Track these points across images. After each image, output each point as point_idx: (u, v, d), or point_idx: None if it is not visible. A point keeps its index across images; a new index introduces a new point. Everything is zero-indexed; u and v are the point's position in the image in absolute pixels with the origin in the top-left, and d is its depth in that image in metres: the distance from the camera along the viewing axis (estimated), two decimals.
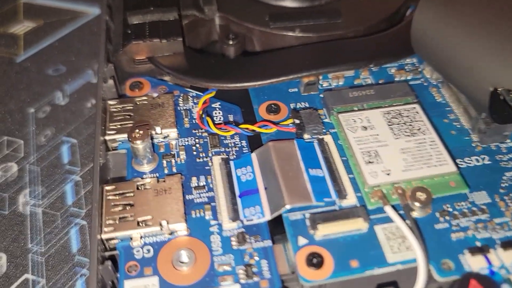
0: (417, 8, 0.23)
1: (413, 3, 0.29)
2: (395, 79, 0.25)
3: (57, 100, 0.30)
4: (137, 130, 0.21)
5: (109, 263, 0.18)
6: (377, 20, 0.27)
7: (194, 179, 0.21)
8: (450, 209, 0.20)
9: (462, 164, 0.21)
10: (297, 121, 0.22)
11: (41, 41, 0.34)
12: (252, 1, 0.28)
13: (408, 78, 0.25)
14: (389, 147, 0.21)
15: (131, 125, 0.22)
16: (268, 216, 0.19)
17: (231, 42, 0.26)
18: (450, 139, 0.22)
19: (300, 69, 0.24)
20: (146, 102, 0.24)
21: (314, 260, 0.18)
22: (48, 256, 0.22)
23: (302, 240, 0.19)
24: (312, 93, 0.24)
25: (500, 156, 0.22)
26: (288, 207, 0.19)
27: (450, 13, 0.21)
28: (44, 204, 0.24)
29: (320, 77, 0.25)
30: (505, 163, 0.21)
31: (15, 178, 0.25)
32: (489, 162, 0.21)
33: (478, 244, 0.18)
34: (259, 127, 0.22)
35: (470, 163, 0.21)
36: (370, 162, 0.21)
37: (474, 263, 0.18)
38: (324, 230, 0.19)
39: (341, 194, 0.20)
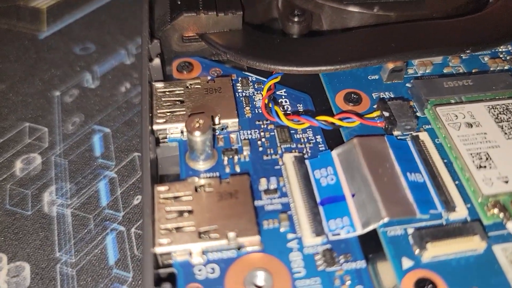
0: None
1: None
2: (490, 68, 0.21)
3: (86, 82, 0.26)
4: (197, 119, 0.17)
5: (168, 286, 0.14)
6: (466, 0, 0.23)
7: (263, 180, 0.17)
8: None
9: None
10: (386, 114, 0.18)
11: (66, 16, 0.30)
12: None
13: (506, 68, 0.22)
14: (502, 149, 0.17)
15: (184, 112, 0.19)
16: (359, 230, 0.16)
17: (296, 19, 0.22)
18: None
19: (384, 53, 0.20)
20: (199, 86, 0.20)
21: None
22: (80, 269, 0.18)
23: (407, 262, 0.15)
24: (396, 81, 0.21)
25: None
26: (386, 220, 0.15)
27: None
28: (74, 205, 0.20)
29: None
30: None
31: (39, 172, 0.22)
32: None
33: None
34: (340, 119, 0.18)
35: None
36: (482, 167, 0.17)
37: None
38: (435, 251, 0.15)
39: (449, 205, 0.16)
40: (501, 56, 0.22)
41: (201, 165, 0.18)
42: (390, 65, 0.20)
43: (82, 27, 0.29)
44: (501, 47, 0.23)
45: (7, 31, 0.30)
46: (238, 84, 0.21)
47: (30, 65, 0.27)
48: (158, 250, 0.15)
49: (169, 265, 0.15)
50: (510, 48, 0.23)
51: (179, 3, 0.21)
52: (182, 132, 0.19)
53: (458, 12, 0.23)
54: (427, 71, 0.21)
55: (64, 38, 0.29)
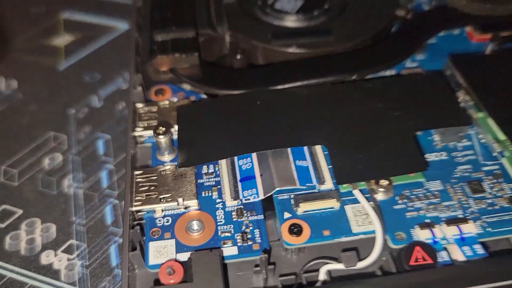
0: None
1: (397, 21, 0.34)
2: None
3: (93, 103, 0.35)
4: (160, 127, 0.26)
5: (137, 228, 0.23)
6: (363, 38, 0.31)
7: (204, 167, 0.26)
8: (408, 194, 0.24)
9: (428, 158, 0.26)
10: None
11: (79, 52, 0.40)
12: (257, 21, 0.33)
13: None
14: None
15: (156, 123, 0.28)
16: (261, 196, 0.25)
17: (238, 57, 0.31)
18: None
19: (294, 79, 0.29)
20: (167, 106, 0.29)
21: (295, 229, 0.23)
22: (88, 227, 0.28)
23: (286, 215, 0.24)
24: None
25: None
26: (277, 189, 0.24)
27: None
28: (84, 187, 0.30)
29: None
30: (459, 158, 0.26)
31: (61, 166, 0.31)
32: (446, 158, 0.26)
33: (427, 220, 0.23)
34: None
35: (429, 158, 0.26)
36: None
37: (421, 235, 0.23)
38: (304, 208, 0.24)
39: (320, 180, 0.25)
40: None
41: (165, 158, 0.27)
42: None
43: (91, 61, 0.39)
44: None
45: (34, 63, 0.40)
46: None
47: (52, 90, 0.37)
48: (134, 208, 0.24)
49: (141, 219, 0.24)
50: None
51: (155, 48, 0.31)
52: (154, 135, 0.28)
53: (357, 47, 0.32)
54: None
55: (77, 69, 0.38)
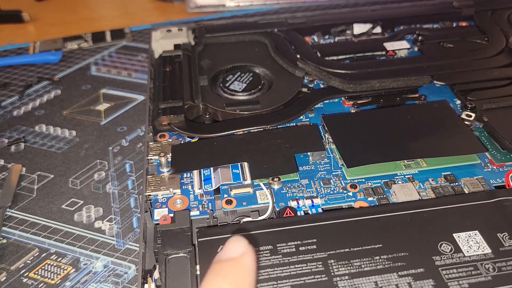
0: None
1: (302, 94, 0.57)
2: None
3: (123, 143, 0.59)
4: (162, 153, 0.49)
5: (149, 202, 0.45)
6: (277, 105, 0.55)
7: (185, 174, 0.49)
8: (289, 185, 0.47)
9: (303, 168, 0.48)
10: None
11: (113, 114, 0.64)
12: (219, 96, 0.57)
13: None
14: None
15: (159, 152, 0.51)
16: (214, 187, 0.47)
17: (207, 116, 0.55)
18: None
19: (238, 128, 0.52)
20: (166, 144, 0.52)
21: (228, 201, 0.45)
22: (121, 209, 0.50)
23: (225, 195, 0.46)
24: None
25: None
26: (221, 183, 0.47)
27: None
28: (118, 189, 0.52)
29: None
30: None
31: (104, 178, 0.54)
32: (313, 168, 0.49)
33: (296, 197, 0.45)
34: None
35: (303, 168, 0.49)
36: None
37: (291, 204, 0.45)
38: (235, 191, 0.46)
39: (244, 178, 0.47)
40: None
41: (164, 169, 0.50)
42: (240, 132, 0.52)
43: (121, 118, 0.63)
44: None
45: (85, 120, 0.63)
46: (182, 141, 0.53)
47: (97, 138, 0.60)
48: (146, 193, 0.46)
49: (150, 199, 0.46)
50: None
51: (159, 111, 0.54)
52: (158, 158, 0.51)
53: (274, 110, 0.55)
54: None
55: (112, 125, 0.62)
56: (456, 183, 0.45)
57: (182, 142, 0.52)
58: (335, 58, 0.63)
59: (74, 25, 0.86)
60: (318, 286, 0.36)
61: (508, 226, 0.39)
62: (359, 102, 0.56)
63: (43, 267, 0.44)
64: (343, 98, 0.57)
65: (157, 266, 0.40)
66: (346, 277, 0.36)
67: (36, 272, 0.44)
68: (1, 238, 0.47)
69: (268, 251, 0.38)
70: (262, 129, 0.52)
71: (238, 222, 0.43)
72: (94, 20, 0.88)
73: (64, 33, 0.82)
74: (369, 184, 0.46)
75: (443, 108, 0.53)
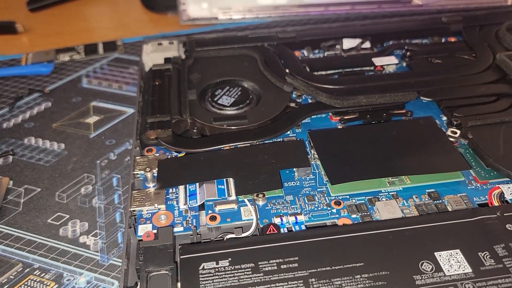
0: None
1: (290, 109, 0.58)
2: None
3: (111, 157, 0.59)
4: (148, 169, 0.49)
5: (133, 217, 0.45)
6: (264, 120, 0.55)
7: (170, 189, 0.49)
8: (273, 201, 0.47)
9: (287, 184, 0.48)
10: None
11: (102, 126, 0.64)
12: (206, 110, 0.57)
13: None
14: None
15: (145, 167, 0.51)
16: (199, 203, 0.47)
17: (195, 131, 0.55)
18: None
19: (224, 143, 0.52)
20: (153, 158, 0.52)
21: (212, 218, 0.45)
22: (106, 224, 0.50)
23: (209, 211, 0.46)
24: None
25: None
26: (206, 198, 0.47)
27: None
28: (104, 203, 0.52)
29: None
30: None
31: (91, 192, 0.54)
32: (298, 184, 0.49)
33: (280, 214, 0.45)
34: None
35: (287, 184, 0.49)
36: None
37: (276, 220, 0.45)
38: (219, 207, 0.46)
39: (229, 194, 0.47)
40: None
41: (150, 184, 0.50)
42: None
43: (109, 132, 0.63)
44: None
45: (74, 133, 0.63)
46: (169, 156, 0.53)
47: (85, 151, 0.60)
48: (131, 208, 0.46)
49: (135, 214, 0.47)
50: None
51: (147, 125, 0.54)
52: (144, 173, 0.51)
53: (262, 125, 0.55)
54: None
55: (100, 138, 0.62)
56: (440, 201, 0.46)
57: (169, 157, 0.52)
58: (323, 73, 0.63)
59: (68, 36, 0.86)
60: None
61: (489, 245, 0.39)
62: (345, 117, 0.56)
63: (26, 283, 0.44)
64: (330, 114, 0.57)
65: (139, 283, 0.40)
66: None
67: None
68: None
69: (249, 269, 0.38)
70: (248, 144, 0.52)
71: (222, 239, 0.43)
72: (88, 31, 0.89)
73: (58, 44, 0.82)
74: (353, 201, 0.46)
75: (428, 125, 0.53)
